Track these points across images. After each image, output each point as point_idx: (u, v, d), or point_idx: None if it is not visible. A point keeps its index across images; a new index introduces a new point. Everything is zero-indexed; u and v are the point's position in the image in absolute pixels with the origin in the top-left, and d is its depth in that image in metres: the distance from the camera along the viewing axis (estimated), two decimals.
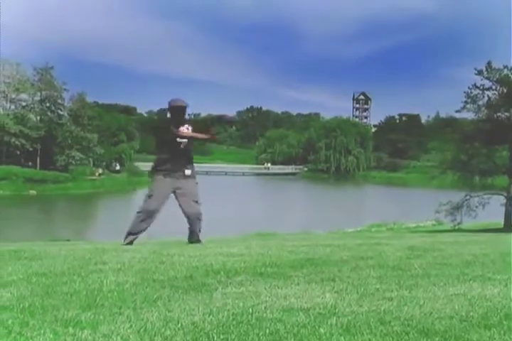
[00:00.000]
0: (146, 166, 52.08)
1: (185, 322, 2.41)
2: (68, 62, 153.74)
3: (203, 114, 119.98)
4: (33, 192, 45.23)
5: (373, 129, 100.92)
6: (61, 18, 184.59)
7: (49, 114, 52.86)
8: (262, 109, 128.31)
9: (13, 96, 52.88)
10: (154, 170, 6.26)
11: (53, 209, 41.59)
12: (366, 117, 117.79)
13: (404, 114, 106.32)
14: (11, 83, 51.68)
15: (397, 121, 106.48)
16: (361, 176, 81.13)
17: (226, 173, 74.55)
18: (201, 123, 6.48)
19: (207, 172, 61.21)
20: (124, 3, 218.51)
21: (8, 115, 50.66)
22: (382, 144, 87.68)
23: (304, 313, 2.56)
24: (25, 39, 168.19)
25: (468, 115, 26.13)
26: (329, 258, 4.36)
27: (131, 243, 6.13)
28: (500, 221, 24.16)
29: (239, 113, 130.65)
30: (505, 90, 24.76)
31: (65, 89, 53.40)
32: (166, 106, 6.29)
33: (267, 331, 2.29)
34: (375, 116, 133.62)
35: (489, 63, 24.80)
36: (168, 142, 6.18)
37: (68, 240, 14.06)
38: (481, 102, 25.22)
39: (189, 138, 6.21)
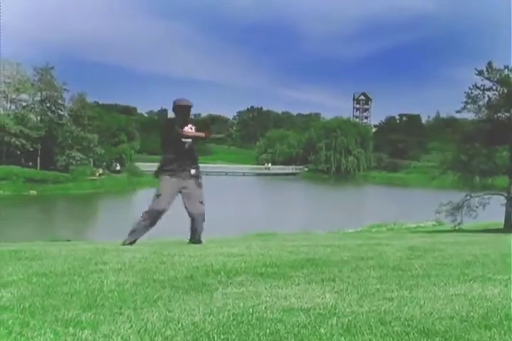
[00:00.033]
0: (146, 166, 52.14)
1: (185, 322, 2.42)
2: (68, 62, 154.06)
3: (203, 114, 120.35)
4: (33, 192, 45.22)
5: (374, 129, 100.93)
6: (61, 18, 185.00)
7: (49, 114, 52.84)
8: (262, 109, 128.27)
9: (14, 96, 52.86)
10: (160, 170, 6.28)
11: (53, 209, 41.57)
12: (366, 117, 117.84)
13: (405, 114, 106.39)
14: (11, 83, 51.65)
15: (398, 121, 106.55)
16: (361, 176, 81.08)
17: (226, 173, 74.44)
18: (201, 124, 6.51)
19: (207, 173, 61.08)
20: (124, 3, 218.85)
21: (8, 115, 50.64)
22: (383, 144, 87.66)
23: (304, 313, 2.56)
24: (25, 39, 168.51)
25: (469, 115, 26.20)
26: (329, 259, 4.36)
27: (133, 243, 6.12)
28: (500, 221, 24.16)
29: (239, 113, 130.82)
30: (505, 91, 24.76)
31: (65, 89, 53.45)
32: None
33: (268, 331, 2.29)
34: (376, 117, 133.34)
35: (490, 63, 24.80)
36: (174, 142, 6.20)
37: (68, 240, 14.06)
38: (481, 102, 25.24)
39: (193, 138, 6.24)
